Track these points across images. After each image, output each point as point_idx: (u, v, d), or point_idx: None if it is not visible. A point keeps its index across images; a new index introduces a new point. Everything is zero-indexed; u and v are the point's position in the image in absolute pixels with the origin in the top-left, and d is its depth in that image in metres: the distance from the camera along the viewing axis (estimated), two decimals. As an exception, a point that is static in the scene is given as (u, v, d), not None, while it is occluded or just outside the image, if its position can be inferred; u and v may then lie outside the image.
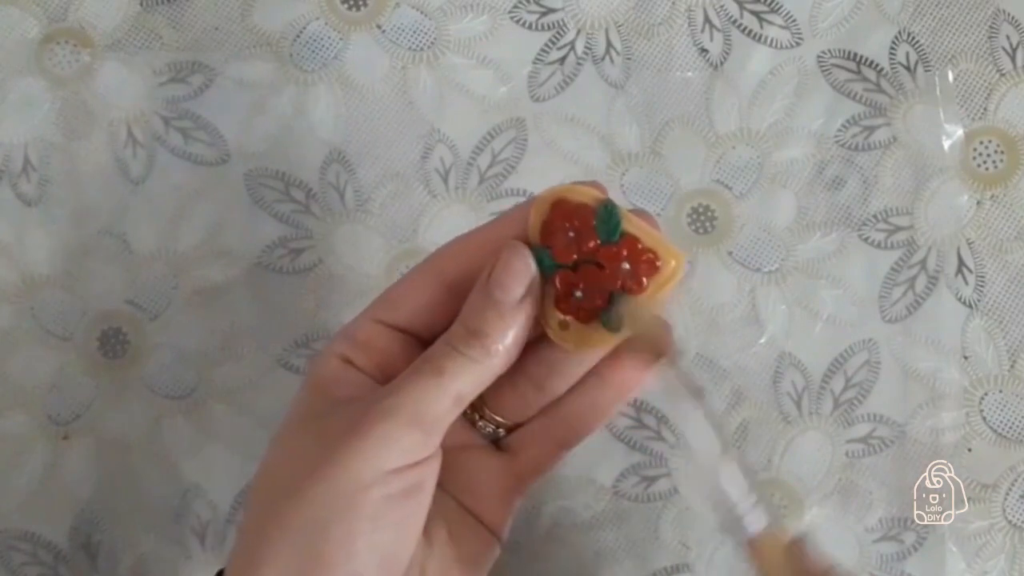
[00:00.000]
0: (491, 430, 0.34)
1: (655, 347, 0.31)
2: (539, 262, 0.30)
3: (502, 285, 0.30)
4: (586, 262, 0.31)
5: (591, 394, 0.33)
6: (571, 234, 0.30)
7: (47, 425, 0.45)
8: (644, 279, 0.30)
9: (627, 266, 0.30)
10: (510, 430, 0.34)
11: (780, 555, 0.29)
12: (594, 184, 0.32)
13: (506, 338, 0.30)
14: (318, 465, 0.29)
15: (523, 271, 0.30)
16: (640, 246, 0.30)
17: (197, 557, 0.45)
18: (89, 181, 0.45)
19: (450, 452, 0.33)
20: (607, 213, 0.30)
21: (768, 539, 0.29)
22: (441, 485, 0.32)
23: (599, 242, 0.30)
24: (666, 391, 0.30)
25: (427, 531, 0.32)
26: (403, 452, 0.29)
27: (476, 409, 0.34)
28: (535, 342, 0.32)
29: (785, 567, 0.29)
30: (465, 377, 0.30)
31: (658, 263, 0.30)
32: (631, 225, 0.30)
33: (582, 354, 0.32)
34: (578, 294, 0.30)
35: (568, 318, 0.31)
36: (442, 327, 0.32)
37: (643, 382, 0.33)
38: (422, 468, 0.30)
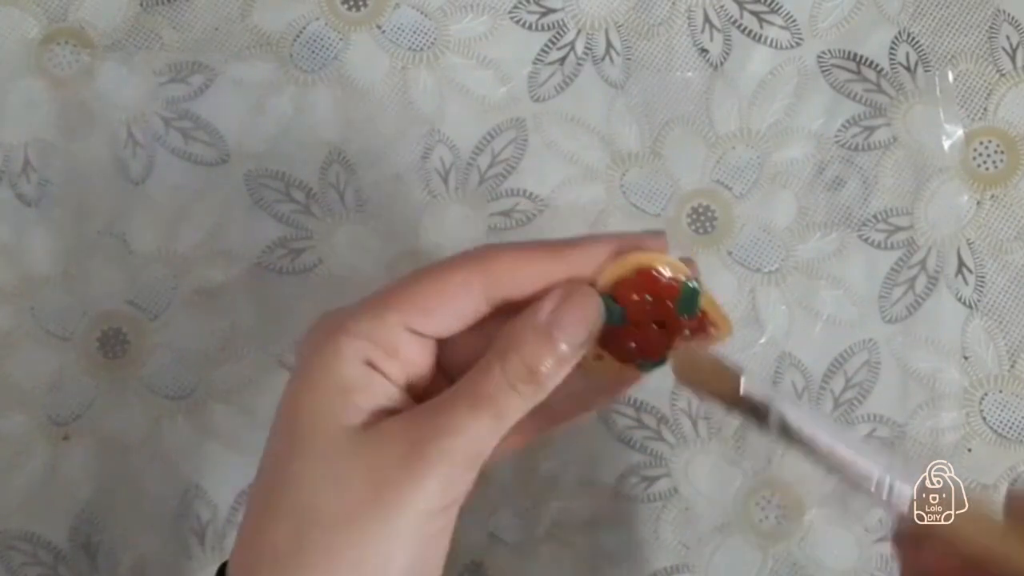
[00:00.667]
0: None
1: (724, 390, 0.31)
2: (608, 312, 0.31)
3: (570, 332, 0.30)
4: (648, 321, 0.31)
5: (581, 391, 0.33)
6: (648, 298, 0.31)
7: (47, 425, 0.45)
8: (697, 344, 0.32)
9: (688, 332, 0.31)
10: None
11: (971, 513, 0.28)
12: (661, 235, 0.32)
13: (558, 379, 0.30)
14: (371, 502, 0.28)
15: (594, 323, 0.30)
16: (707, 320, 0.31)
17: (197, 557, 0.45)
18: (89, 181, 0.45)
19: None
20: (692, 294, 0.31)
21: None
22: None
23: (675, 314, 0.31)
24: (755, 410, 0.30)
25: None
26: (453, 491, 0.29)
27: None
28: None
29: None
30: (517, 415, 0.30)
31: (713, 331, 0.32)
32: (704, 300, 0.31)
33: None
34: (632, 345, 0.31)
35: (606, 353, 0.31)
36: (464, 334, 0.31)
37: (633, 382, 0.33)
38: (460, 501, 0.30)
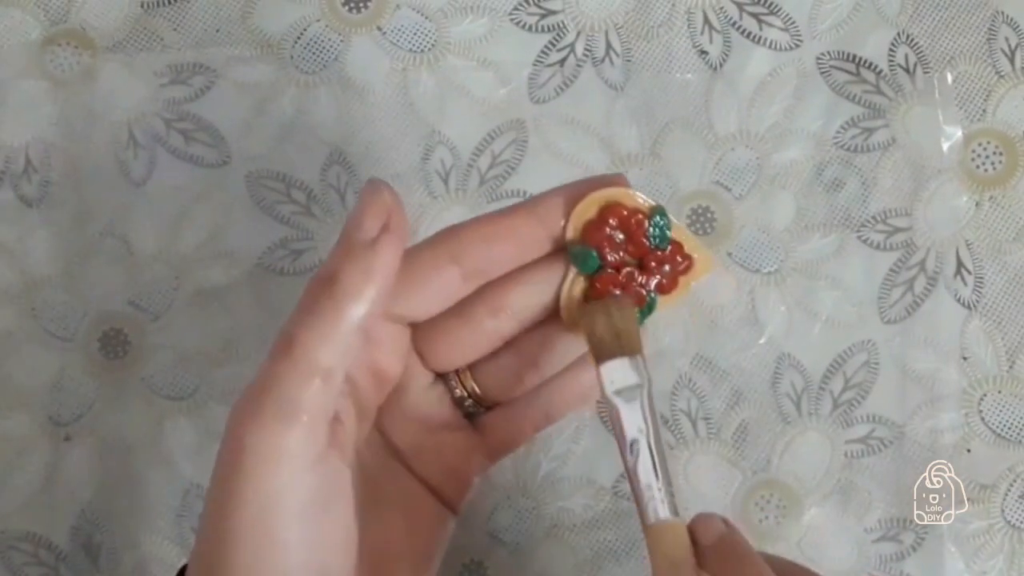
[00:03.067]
0: (470, 404, 0.33)
1: (622, 348, 0.30)
2: (581, 260, 0.30)
3: (356, 222, 0.27)
4: (626, 263, 0.31)
5: (577, 378, 0.33)
6: (620, 236, 0.30)
7: (48, 426, 0.45)
8: (679, 280, 0.31)
9: (667, 268, 0.31)
10: (491, 407, 0.34)
11: (672, 542, 0.28)
12: (621, 177, 0.31)
13: (359, 283, 0.27)
14: (225, 490, 0.27)
15: (380, 205, 0.27)
16: (683, 250, 0.31)
17: (198, 557, 0.45)
18: (90, 183, 0.46)
19: (427, 432, 0.32)
20: (661, 221, 0.31)
21: (664, 527, 0.28)
22: (409, 466, 0.32)
23: (648, 247, 0.31)
24: (608, 387, 0.29)
25: (382, 519, 0.31)
26: (286, 458, 0.26)
27: (463, 384, 0.33)
28: (541, 324, 0.32)
29: (674, 555, 0.27)
30: (320, 344, 0.26)
31: (693, 263, 0.31)
32: (674, 230, 0.31)
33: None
34: (617, 293, 0.31)
35: None
36: (447, 323, 0.31)
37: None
38: (317, 473, 0.27)
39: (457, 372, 0.33)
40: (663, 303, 0.31)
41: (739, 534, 0.28)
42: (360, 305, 0.27)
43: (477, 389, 0.33)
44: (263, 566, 0.27)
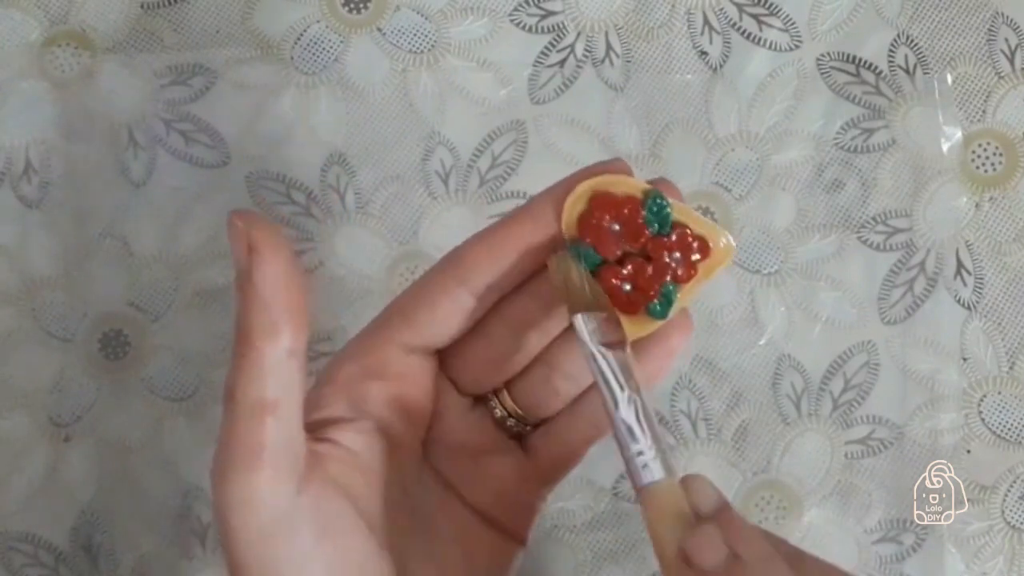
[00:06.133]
0: (513, 423, 0.32)
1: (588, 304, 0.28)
2: (581, 258, 0.29)
3: (232, 258, 0.27)
4: (631, 254, 0.29)
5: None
6: (616, 227, 0.29)
7: (48, 427, 0.45)
8: (696, 266, 0.29)
9: (677, 255, 0.29)
10: (537, 426, 0.33)
11: (668, 503, 0.26)
12: (619, 162, 0.30)
13: (259, 315, 0.27)
14: (222, 535, 0.28)
15: (237, 234, 0.27)
16: (690, 234, 0.29)
17: (198, 558, 0.45)
18: (90, 183, 0.46)
19: (473, 459, 0.31)
20: (658, 205, 0.29)
21: (658, 488, 0.26)
22: (463, 497, 0.31)
23: (649, 235, 0.29)
24: (583, 343, 0.28)
25: (438, 554, 0.30)
26: (259, 501, 0.27)
27: (502, 404, 0.32)
28: (564, 332, 0.31)
29: (672, 515, 0.26)
30: (253, 384, 0.27)
31: (709, 247, 0.29)
32: (679, 212, 0.29)
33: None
34: (627, 288, 0.29)
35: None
36: (471, 346, 0.30)
37: (668, 369, 0.32)
38: (300, 507, 0.27)
39: (495, 393, 0.32)
40: (685, 293, 0.29)
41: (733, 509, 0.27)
42: (274, 336, 0.27)
43: (517, 408, 0.32)
44: None
